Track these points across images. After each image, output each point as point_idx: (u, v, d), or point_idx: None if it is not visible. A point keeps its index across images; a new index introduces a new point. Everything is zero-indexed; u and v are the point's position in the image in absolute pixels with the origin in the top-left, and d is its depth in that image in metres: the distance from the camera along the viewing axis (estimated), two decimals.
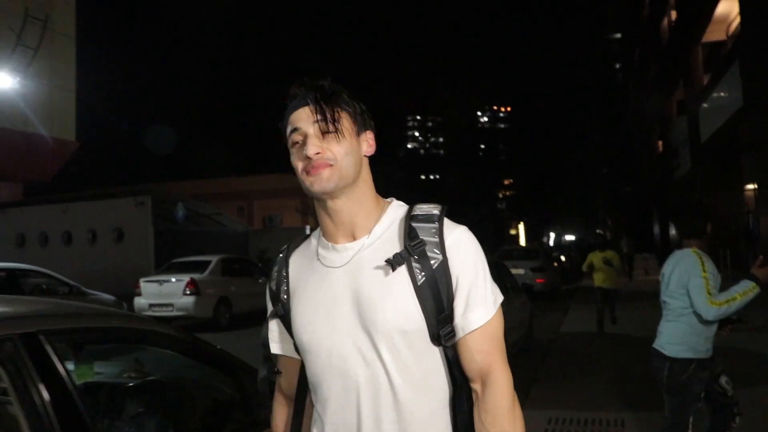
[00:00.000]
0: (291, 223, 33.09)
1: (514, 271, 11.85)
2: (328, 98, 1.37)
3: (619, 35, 50.21)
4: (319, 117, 1.35)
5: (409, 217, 1.40)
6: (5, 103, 20.14)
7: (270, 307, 1.51)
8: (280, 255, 1.54)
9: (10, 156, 20.96)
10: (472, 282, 1.38)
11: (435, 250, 1.35)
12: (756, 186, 16.05)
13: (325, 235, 1.46)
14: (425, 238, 1.36)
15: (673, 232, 28.83)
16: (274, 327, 1.53)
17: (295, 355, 1.50)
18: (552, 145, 72.39)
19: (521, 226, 63.18)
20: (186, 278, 12.37)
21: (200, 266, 13.10)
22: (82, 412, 1.91)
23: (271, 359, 1.57)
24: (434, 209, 1.42)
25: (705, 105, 19.60)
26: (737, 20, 16.66)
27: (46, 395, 1.80)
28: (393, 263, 1.33)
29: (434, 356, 1.38)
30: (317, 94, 1.37)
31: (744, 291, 3.30)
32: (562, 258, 27.75)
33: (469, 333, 1.37)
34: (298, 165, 1.38)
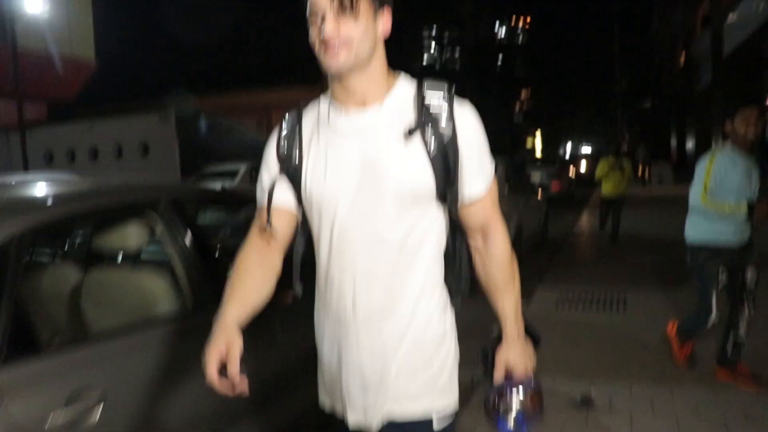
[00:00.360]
0: None
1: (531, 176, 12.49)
2: None
3: None
4: None
5: (421, 92, 1.52)
6: (28, 25, 20.57)
7: (274, 167, 1.61)
8: (288, 118, 1.62)
9: (33, 76, 21.50)
10: (479, 153, 1.55)
11: (446, 122, 1.48)
12: None
13: (336, 100, 1.54)
14: (437, 111, 1.49)
15: (690, 145, 29.07)
16: (282, 184, 1.60)
17: (296, 211, 1.64)
18: (571, 56, 71.13)
19: (538, 136, 63.16)
20: (217, 186, 13.16)
21: (229, 174, 13.88)
22: (211, 252, 2.72)
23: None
24: (443, 86, 1.53)
25: (729, 19, 19.58)
26: None
27: (188, 238, 2.56)
28: (410, 132, 1.47)
29: (435, 215, 1.55)
30: None
31: (738, 207, 3.69)
32: (582, 166, 28.17)
33: (476, 196, 1.56)
34: (315, 42, 1.45)
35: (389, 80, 1.55)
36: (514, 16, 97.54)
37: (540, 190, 11.06)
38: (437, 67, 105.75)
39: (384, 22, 1.50)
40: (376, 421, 1.56)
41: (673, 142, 35.97)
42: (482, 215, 1.58)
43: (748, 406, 3.57)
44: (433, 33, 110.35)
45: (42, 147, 22.72)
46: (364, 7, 1.43)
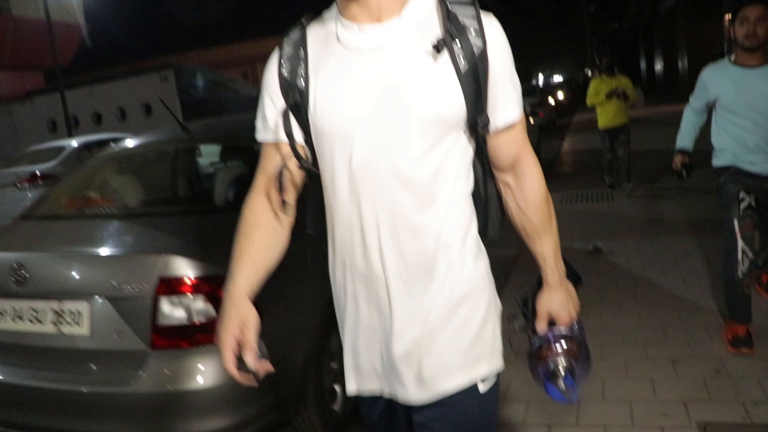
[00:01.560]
0: None
1: None
2: None
3: None
4: None
5: (443, 1, 1.33)
6: None
7: (276, 93, 1.40)
8: (290, 36, 1.42)
9: (26, 44, 22.24)
10: (510, 73, 1.37)
11: (476, 37, 1.30)
12: (730, 15, 18.17)
13: (346, 14, 1.34)
14: (465, 23, 1.31)
15: (658, 67, 30.89)
16: (288, 114, 1.38)
17: (306, 145, 1.42)
18: None
19: None
20: None
21: None
22: None
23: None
24: None
25: None
26: None
27: None
28: (437, 47, 1.27)
29: (463, 144, 1.37)
30: None
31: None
32: (560, 94, 29.61)
33: (510, 121, 1.38)
34: None
35: None
36: None
37: (531, 117, 12.88)
38: None
39: None
40: (420, 396, 1.38)
41: (643, 65, 37.78)
42: (514, 147, 1.43)
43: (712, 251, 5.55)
44: None
45: (44, 116, 23.98)
46: None
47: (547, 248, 1.47)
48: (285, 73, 1.38)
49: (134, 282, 2.41)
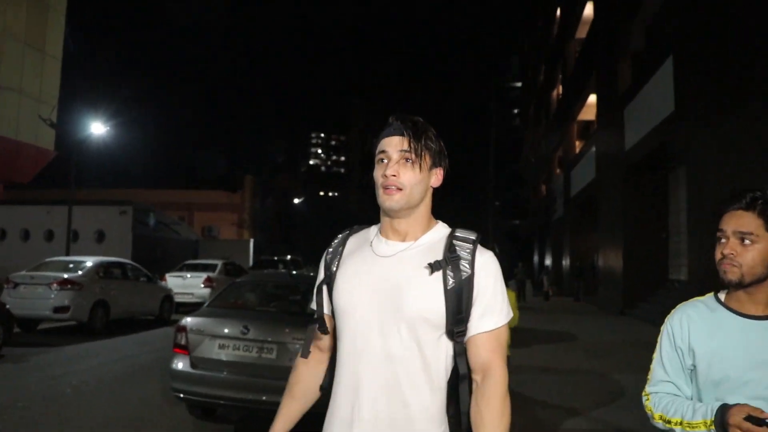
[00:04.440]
0: (227, 235, 39.71)
1: None
2: (419, 135, 1.73)
3: (519, 84, 57.49)
4: (406, 148, 1.71)
5: (452, 235, 1.76)
6: None
7: (321, 274, 1.88)
8: (341, 235, 1.94)
9: None
10: (491, 296, 1.71)
11: (466, 265, 1.69)
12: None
13: (382, 232, 1.81)
14: (461, 254, 1.70)
15: (548, 262, 35.93)
16: (323, 292, 1.87)
17: (329, 313, 1.87)
18: (449, 173, 79.14)
19: None
20: (204, 275, 17.96)
21: (210, 267, 18.71)
22: None
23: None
24: (472, 234, 1.77)
25: (574, 169, 27.22)
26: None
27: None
28: (432, 267, 1.68)
29: (442, 346, 1.70)
30: (411, 130, 1.73)
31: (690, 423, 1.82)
32: None
33: (480, 333, 1.69)
34: (378, 180, 1.74)
35: (429, 222, 1.80)
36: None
37: None
38: (323, 168, 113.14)
39: (437, 177, 1.81)
40: None
41: (536, 259, 43.21)
42: (484, 354, 1.69)
43: None
44: (321, 136, 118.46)
45: None
46: (425, 162, 1.73)
47: None
48: (328, 259, 1.88)
49: (292, 335, 5.77)
